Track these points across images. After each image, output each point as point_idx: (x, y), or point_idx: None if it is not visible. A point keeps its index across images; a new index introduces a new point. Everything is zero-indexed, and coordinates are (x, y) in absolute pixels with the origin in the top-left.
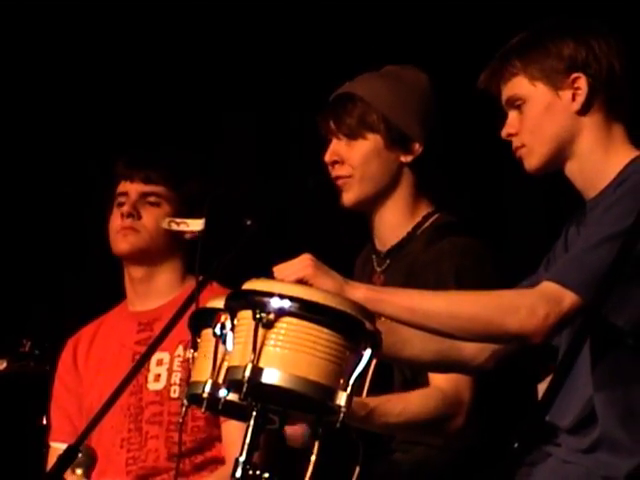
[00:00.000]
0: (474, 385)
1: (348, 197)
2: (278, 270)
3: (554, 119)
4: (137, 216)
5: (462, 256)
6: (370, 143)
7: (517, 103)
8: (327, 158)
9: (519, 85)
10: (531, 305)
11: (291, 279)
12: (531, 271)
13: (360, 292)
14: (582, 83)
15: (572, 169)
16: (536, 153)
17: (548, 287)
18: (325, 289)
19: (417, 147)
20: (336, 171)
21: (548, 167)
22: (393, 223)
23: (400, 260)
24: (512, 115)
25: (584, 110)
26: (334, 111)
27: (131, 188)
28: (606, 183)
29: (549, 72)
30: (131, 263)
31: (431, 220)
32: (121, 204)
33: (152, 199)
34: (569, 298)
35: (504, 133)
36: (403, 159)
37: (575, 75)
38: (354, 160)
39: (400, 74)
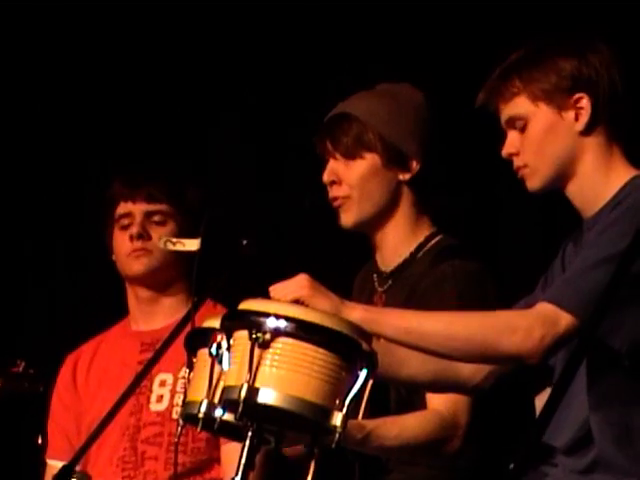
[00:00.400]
0: (471, 407)
1: (347, 218)
2: (274, 290)
3: (557, 140)
4: (147, 237)
5: (464, 280)
6: (367, 162)
7: (519, 123)
8: (325, 178)
9: (521, 105)
10: (527, 326)
11: (287, 299)
12: (528, 291)
13: (357, 313)
14: (585, 103)
15: (572, 189)
16: (539, 174)
17: (544, 308)
18: (321, 309)
19: (415, 165)
20: (334, 192)
21: (550, 187)
22: (395, 243)
23: (402, 281)
24: (512, 134)
25: (587, 130)
26: (330, 131)
27: (134, 209)
28: (604, 202)
29: (551, 92)
30: (140, 284)
31: (433, 242)
32: (126, 226)
33: (157, 218)
34: (565, 319)
35: (505, 152)
36: (401, 177)
37: (578, 95)
38: (352, 180)
39: (395, 92)
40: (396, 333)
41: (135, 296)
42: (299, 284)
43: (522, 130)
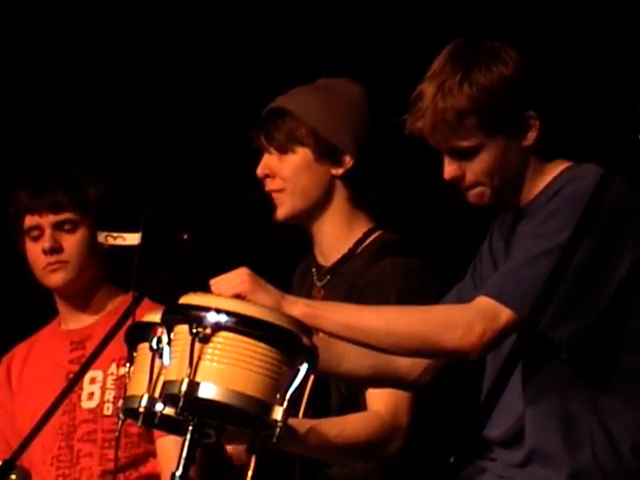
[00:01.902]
0: (412, 407)
1: (281, 211)
2: (215, 284)
3: (508, 163)
4: (59, 248)
5: (404, 277)
6: (300, 157)
7: (466, 154)
8: (259, 172)
9: (466, 139)
10: (468, 322)
11: (228, 294)
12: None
13: (297, 307)
14: (532, 126)
15: (501, 188)
16: (495, 195)
17: (484, 303)
18: (262, 304)
19: (348, 160)
20: (268, 185)
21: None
22: (332, 237)
23: (341, 277)
24: (451, 160)
25: (535, 147)
26: (265, 126)
27: (42, 221)
28: (536, 192)
29: (492, 120)
30: (61, 293)
31: (372, 237)
32: (36, 237)
33: (67, 226)
34: (505, 314)
35: (453, 177)
36: (334, 172)
37: (527, 113)
38: (284, 173)
39: (333, 87)
40: (337, 328)
41: (60, 299)
42: (239, 278)
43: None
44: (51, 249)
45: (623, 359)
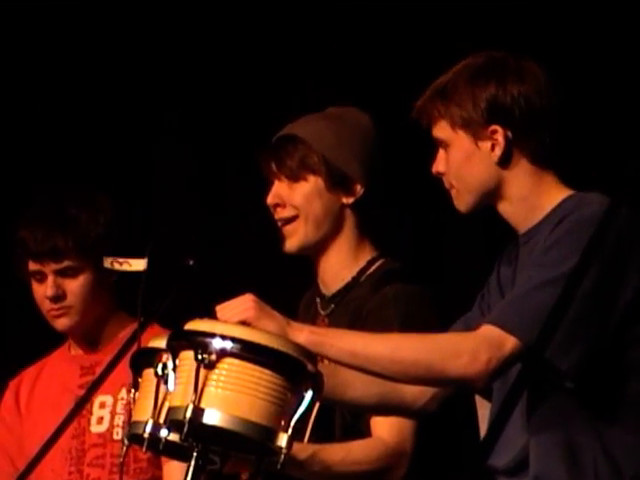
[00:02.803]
0: (417, 435)
1: (292, 242)
2: (220, 310)
3: (474, 169)
4: (63, 295)
5: (407, 304)
6: (311, 184)
7: (443, 145)
8: (269, 201)
9: (443, 129)
10: (473, 350)
11: (233, 320)
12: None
13: (302, 334)
14: (499, 136)
15: (503, 208)
16: (462, 198)
17: (489, 331)
18: (267, 331)
19: (359, 188)
20: (278, 214)
21: (477, 209)
22: (337, 267)
23: (345, 305)
24: (440, 153)
25: (504, 161)
26: (276, 153)
27: (44, 268)
28: (539, 218)
29: (468, 121)
30: (69, 334)
31: (376, 265)
32: (39, 279)
33: (69, 272)
34: (510, 342)
35: (434, 170)
36: (345, 200)
37: (493, 127)
38: (296, 201)
39: (342, 115)
40: (342, 355)
41: (69, 335)
42: (245, 305)
43: (447, 152)
44: (54, 297)
45: (627, 388)
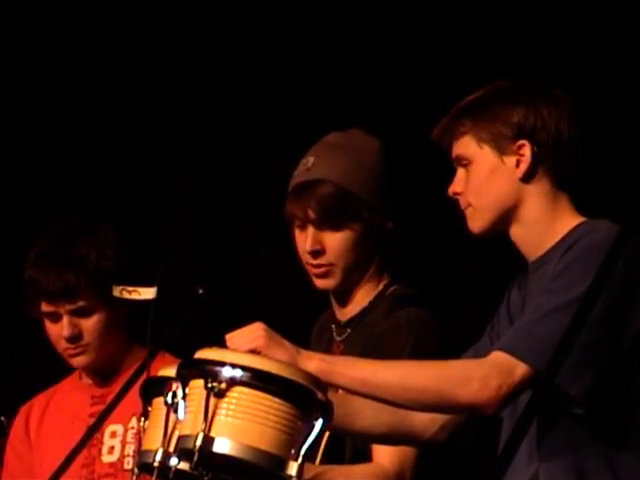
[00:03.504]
0: (417, 463)
1: (328, 283)
2: (230, 339)
3: (497, 184)
4: (79, 335)
5: (418, 327)
6: (353, 232)
7: (464, 162)
8: (309, 247)
9: (467, 145)
10: (483, 376)
11: (243, 349)
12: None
13: (312, 363)
14: (526, 151)
15: (516, 233)
16: (480, 216)
17: (499, 358)
18: (277, 359)
19: (390, 225)
20: (318, 260)
21: (492, 230)
22: (358, 297)
23: (360, 330)
24: (460, 173)
25: (528, 177)
26: (309, 199)
27: (59, 309)
28: (550, 245)
29: (496, 136)
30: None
31: (390, 290)
32: (54, 319)
33: (84, 312)
34: (521, 369)
35: (451, 190)
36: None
37: (521, 142)
38: (336, 249)
39: (356, 145)
40: (352, 384)
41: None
42: (255, 333)
43: (467, 170)
44: (71, 337)
45: (638, 415)
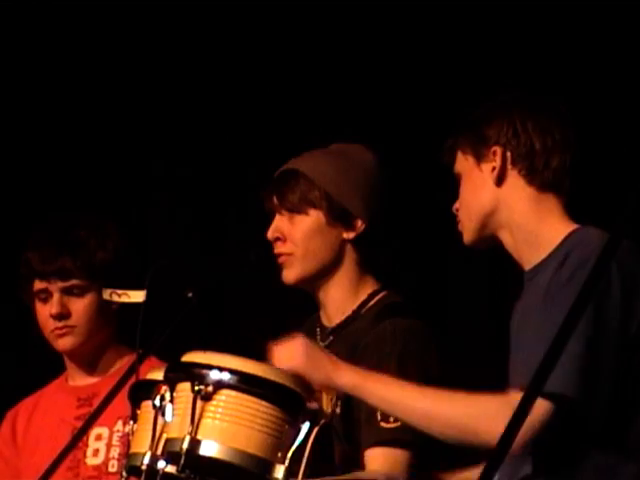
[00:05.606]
0: (410, 467)
1: (289, 274)
2: (276, 354)
3: (477, 192)
4: (67, 314)
5: (404, 340)
6: (312, 219)
7: (458, 178)
8: (269, 234)
9: (459, 160)
10: (506, 417)
11: (283, 367)
12: (474, 348)
13: (347, 378)
14: (498, 155)
15: (505, 239)
16: (466, 227)
17: (518, 397)
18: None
19: (360, 224)
20: (278, 248)
21: (480, 239)
22: (338, 300)
23: (344, 338)
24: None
25: (501, 181)
26: (277, 187)
27: (50, 286)
28: (544, 254)
29: (475, 146)
30: (69, 355)
31: (376, 299)
32: (44, 299)
33: (75, 291)
34: (542, 407)
35: (454, 208)
36: (345, 236)
37: (494, 148)
38: (296, 237)
39: (346, 151)
40: (380, 403)
41: (68, 359)
42: (294, 352)
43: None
44: (58, 315)
45: (635, 423)
